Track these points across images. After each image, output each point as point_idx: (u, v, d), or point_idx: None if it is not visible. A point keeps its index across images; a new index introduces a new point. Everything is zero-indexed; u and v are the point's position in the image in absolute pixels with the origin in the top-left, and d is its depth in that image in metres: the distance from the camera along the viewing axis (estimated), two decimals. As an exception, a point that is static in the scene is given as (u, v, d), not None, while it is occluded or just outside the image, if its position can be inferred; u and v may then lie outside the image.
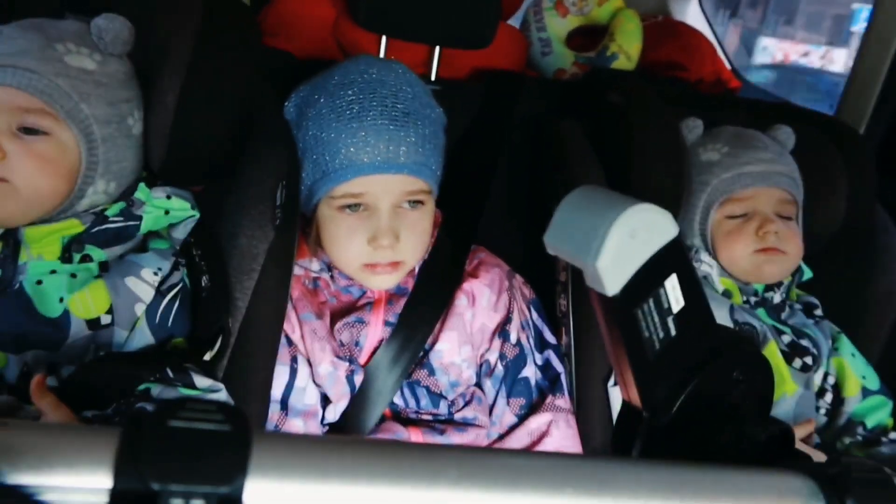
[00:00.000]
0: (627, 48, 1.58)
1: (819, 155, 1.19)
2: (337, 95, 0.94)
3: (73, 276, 0.82)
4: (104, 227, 0.85)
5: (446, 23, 1.29)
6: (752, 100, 1.52)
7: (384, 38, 1.34)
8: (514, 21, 1.73)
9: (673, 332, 0.35)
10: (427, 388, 1.01)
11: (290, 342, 0.99)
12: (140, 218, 0.88)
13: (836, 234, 1.19)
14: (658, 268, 0.33)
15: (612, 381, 1.03)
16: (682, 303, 0.34)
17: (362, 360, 1.00)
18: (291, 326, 0.99)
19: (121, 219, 0.86)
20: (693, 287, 0.35)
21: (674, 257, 0.34)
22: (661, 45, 1.64)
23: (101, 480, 0.22)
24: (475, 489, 0.25)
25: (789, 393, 1.04)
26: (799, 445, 1.00)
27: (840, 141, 1.22)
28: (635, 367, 0.34)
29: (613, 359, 0.35)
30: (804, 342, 1.08)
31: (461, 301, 1.03)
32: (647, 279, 0.33)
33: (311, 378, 0.98)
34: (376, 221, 0.94)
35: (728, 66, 1.90)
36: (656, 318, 0.34)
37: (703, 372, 0.35)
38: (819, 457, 1.00)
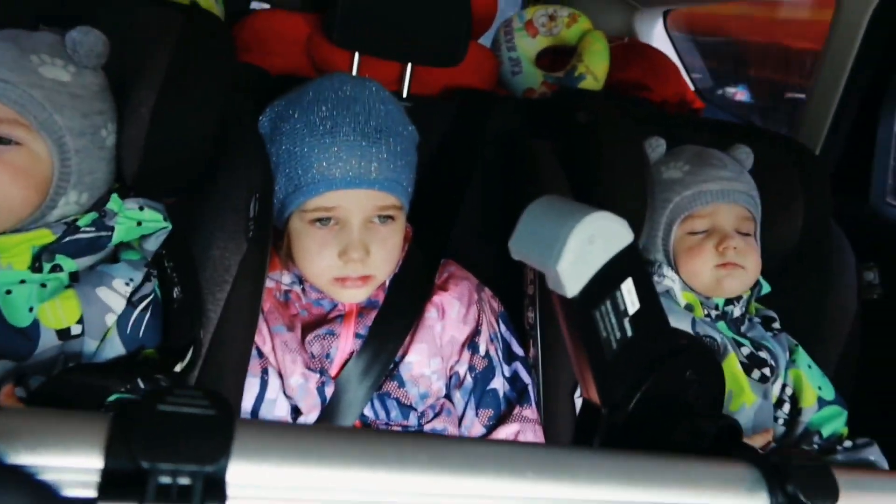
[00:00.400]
0: (594, 68, 1.63)
1: (777, 174, 1.24)
2: (310, 111, 0.96)
3: (44, 286, 0.82)
4: (75, 237, 0.85)
5: (418, 41, 1.32)
6: (713, 120, 1.58)
7: (357, 55, 1.37)
8: (485, 41, 1.77)
9: (629, 333, 0.37)
10: (397, 400, 1.02)
11: (260, 354, 1.00)
12: (112, 229, 0.88)
13: (793, 250, 1.23)
14: (614, 272, 0.35)
15: (577, 393, 1.05)
16: (637, 305, 0.37)
17: (333, 371, 1.01)
18: (262, 339, 1.00)
19: (92, 229, 0.87)
20: (648, 291, 0.38)
21: (629, 262, 0.36)
22: (627, 65, 1.69)
23: (93, 461, 0.23)
24: (443, 473, 0.27)
25: (748, 403, 1.07)
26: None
27: (797, 161, 1.27)
28: (594, 365, 0.36)
29: (574, 358, 0.37)
30: (763, 354, 1.12)
31: (431, 314, 1.05)
32: (605, 282, 0.35)
33: (282, 390, 0.99)
34: (347, 235, 0.95)
35: (692, 87, 1.96)
36: (613, 319, 0.36)
37: (657, 371, 0.37)
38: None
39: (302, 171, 0.94)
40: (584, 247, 0.33)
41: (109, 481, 0.22)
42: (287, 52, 1.46)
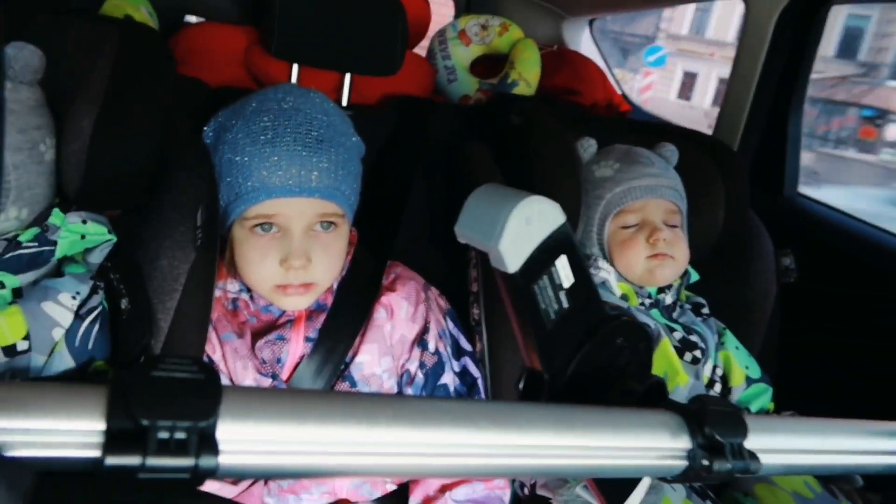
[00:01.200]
0: (527, 75, 1.69)
1: (699, 169, 1.32)
2: (252, 121, 0.97)
3: (-13, 302, 0.82)
4: (17, 253, 0.84)
5: (356, 51, 1.36)
6: (640, 121, 1.66)
7: (295, 67, 1.39)
8: (421, 50, 1.81)
9: (566, 305, 0.41)
10: None
11: (211, 362, 1.01)
12: (55, 243, 0.88)
13: (717, 240, 1.32)
14: (549, 249, 0.40)
15: (521, 383, 1.10)
16: (571, 279, 0.41)
17: (284, 375, 1.03)
18: (212, 347, 1.01)
19: (35, 244, 0.86)
20: (580, 267, 0.42)
21: (562, 241, 0.40)
22: (557, 72, 1.76)
23: (96, 424, 0.26)
24: (406, 427, 0.30)
25: (682, 384, 1.14)
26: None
27: (717, 157, 1.36)
28: (536, 335, 0.40)
29: (518, 330, 0.41)
30: (693, 338, 1.19)
31: (380, 314, 1.08)
32: (541, 259, 0.39)
33: None
34: (288, 243, 0.96)
35: (619, 91, 2.05)
36: (550, 293, 0.40)
37: (593, 338, 0.42)
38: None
39: (243, 179, 0.96)
40: (521, 227, 0.37)
41: (112, 440, 0.25)
42: (224, 65, 1.46)
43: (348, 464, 0.29)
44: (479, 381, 1.11)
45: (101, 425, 0.25)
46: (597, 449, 0.35)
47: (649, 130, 1.43)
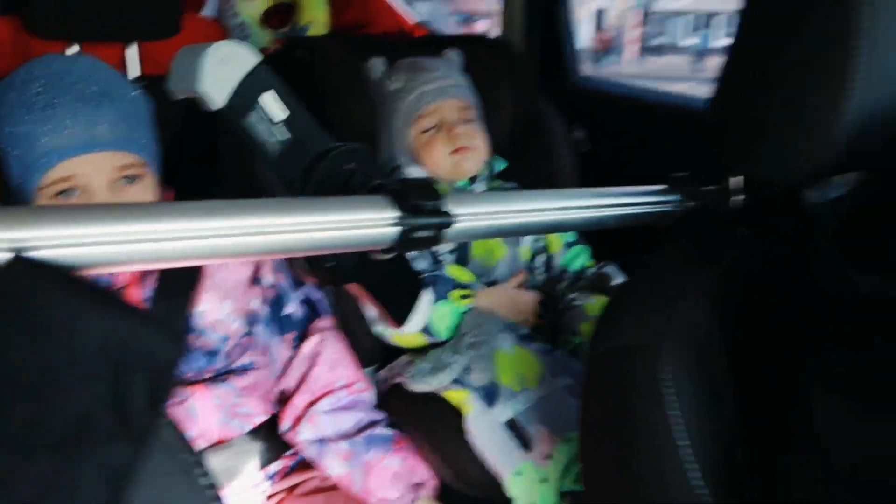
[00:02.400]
0: (316, 17, 1.73)
1: (486, 68, 1.43)
2: (24, 91, 0.94)
3: None
4: None
5: (129, 17, 1.33)
6: (427, 36, 1.75)
7: (74, 47, 1.34)
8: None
9: (286, 136, 0.47)
10: (201, 350, 1.07)
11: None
12: None
13: (513, 129, 1.44)
14: (251, 87, 0.45)
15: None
16: (284, 112, 0.47)
17: (128, 340, 1.03)
18: (45, 330, 1.00)
19: None
20: (291, 102, 0.48)
21: (265, 79, 0.46)
22: (347, 9, 1.81)
23: None
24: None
25: (501, 256, 1.26)
26: (517, 291, 1.23)
27: (500, 55, 1.47)
28: (263, 164, 0.46)
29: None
30: (508, 217, 1.31)
31: (210, 264, 1.10)
32: (245, 96, 0.45)
33: None
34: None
35: (414, 20, 2.12)
36: (266, 127, 0.46)
37: (322, 162, 0.48)
38: (533, 297, 1.24)
39: (28, 149, 0.93)
40: (217, 68, 0.43)
41: None
42: (-5, 61, 1.39)
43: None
44: (322, 301, 1.16)
45: None
46: (319, 223, 0.42)
47: (436, 43, 1.52)
